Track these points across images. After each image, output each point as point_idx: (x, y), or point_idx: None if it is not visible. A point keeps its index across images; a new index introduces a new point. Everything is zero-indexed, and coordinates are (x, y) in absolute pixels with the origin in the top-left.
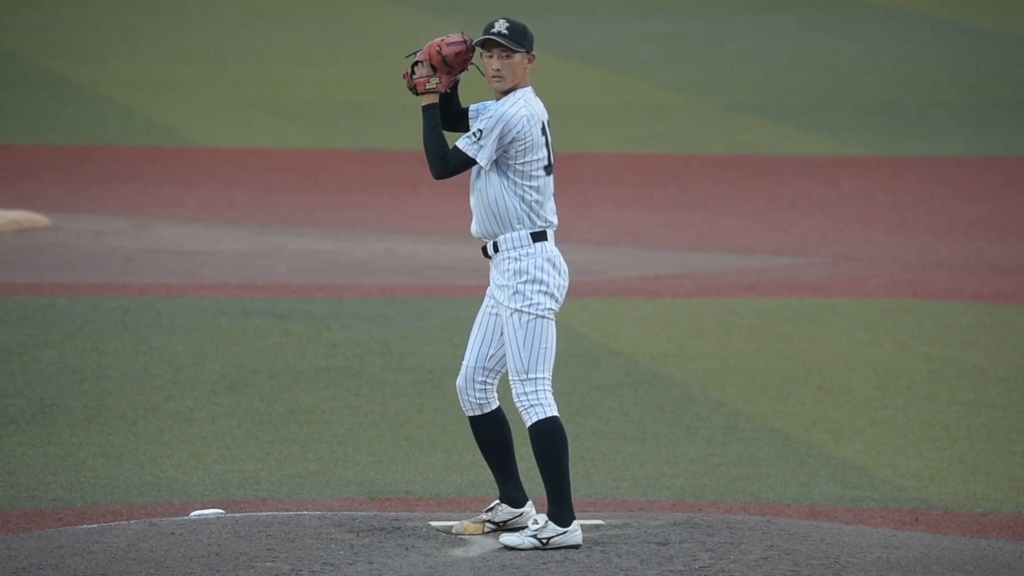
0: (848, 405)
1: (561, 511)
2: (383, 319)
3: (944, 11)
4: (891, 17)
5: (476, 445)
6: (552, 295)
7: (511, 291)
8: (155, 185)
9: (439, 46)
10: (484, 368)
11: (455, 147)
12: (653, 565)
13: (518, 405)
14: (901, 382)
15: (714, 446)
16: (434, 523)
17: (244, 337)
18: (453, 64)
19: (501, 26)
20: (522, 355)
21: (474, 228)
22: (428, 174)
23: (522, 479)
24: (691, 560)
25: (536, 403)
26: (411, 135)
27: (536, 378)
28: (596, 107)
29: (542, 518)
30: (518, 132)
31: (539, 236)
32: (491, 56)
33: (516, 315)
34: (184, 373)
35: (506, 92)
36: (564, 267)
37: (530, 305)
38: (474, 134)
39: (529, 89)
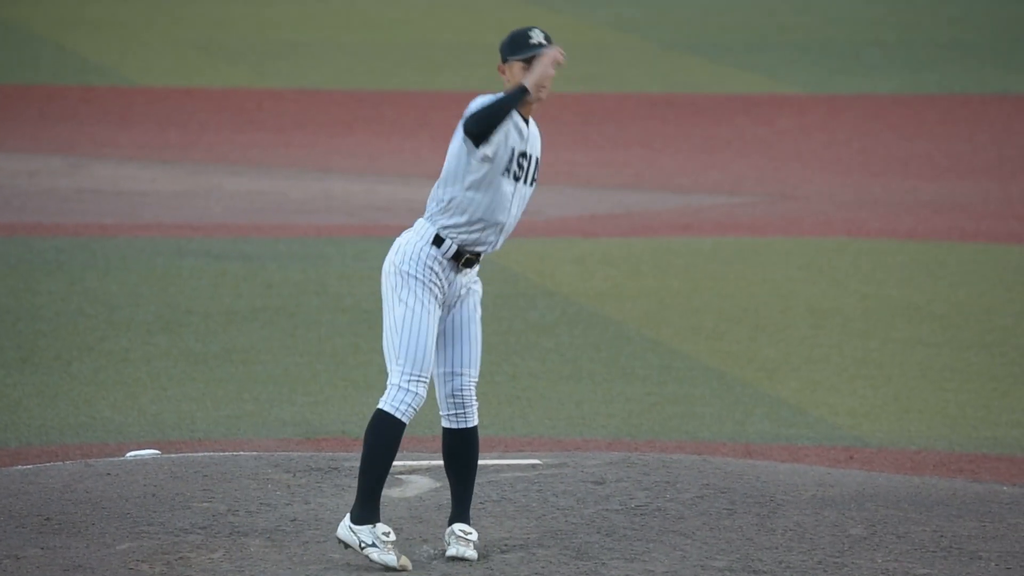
0: (783, 343)
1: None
2: (319, 259)
3: None
4: None
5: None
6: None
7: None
8: (90, 124)
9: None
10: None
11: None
12: (590, 504)
13: (472, 403)
14: (836, 320)
15: (650, 385)
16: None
17: (179, 277)
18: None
19: (544, 37)
20: (478, 351)
21: (501, 244)
22: (364, 112)
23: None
24: (627, 499)
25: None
26: (348, 75)
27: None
28: None
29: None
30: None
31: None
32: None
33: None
34: (119, 313)
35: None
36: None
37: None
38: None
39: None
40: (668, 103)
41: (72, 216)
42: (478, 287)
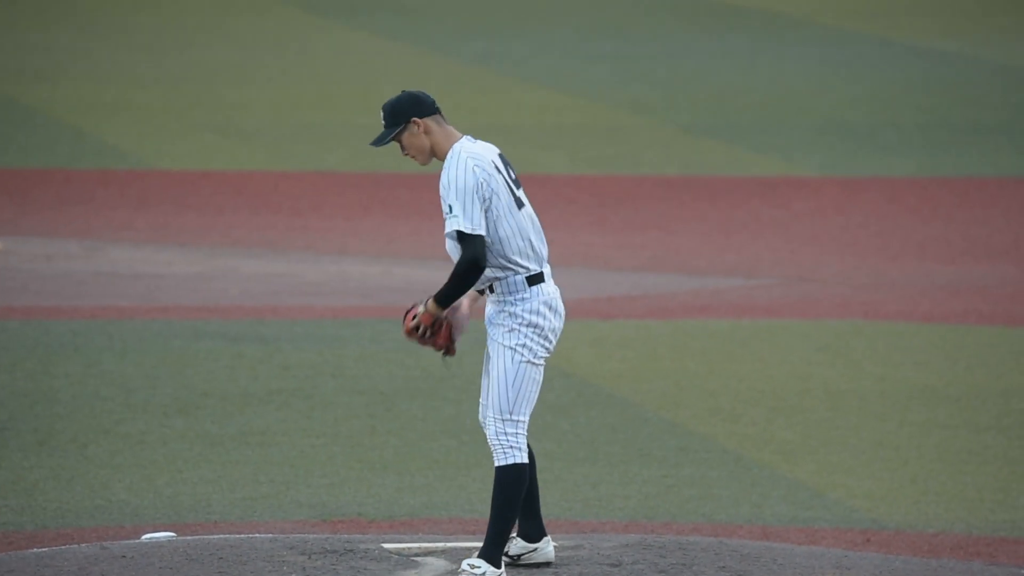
0: (800, 426)
1: (496, 552)
2: (336, 341)
3: (895, 32)
4: (842, 38)
5: (429, 467)
6: (547, 338)
7: (506, 329)
8: (107, 208)
9: (441, 337)
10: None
11: (455, 236)
12: None
13: (494, 443)
14: (853, 403)
15: (667, 467)
16: (387, 545)
17: (196, 360)
18: (440, 328)
19: (382, 118)
20: (508, 395)
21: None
22: (381, 195)
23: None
24: None
25: (513, 446)
26: (363, 157)
27: (517, 420)
28: (549, 128)
29: (479, 562)
30: (484, 184)
31: (535, 279)
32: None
33: (508, 352)
34: (136, 396)
35: (435, 157)
36: (560, 308)
37: (523, 348)
38: (448, 211)
39: (461, 141)
40: (684, 185)
41: (89, 299)
42: (498, 326)
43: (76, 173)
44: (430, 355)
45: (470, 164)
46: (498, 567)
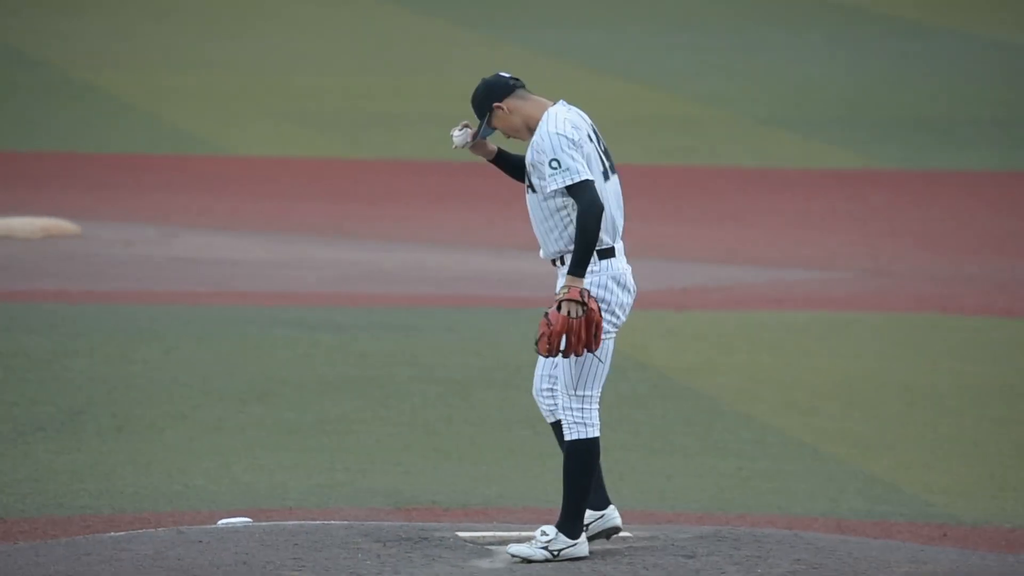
0: (876, 420)
1: (573, 525)
2: (411, 330)
3: (974, 26)
4: (920, 32)
5: (504, 456)
6: (614, 313)
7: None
8: (184, 194)
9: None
10: (550, 376)
11: (563, 190)
12: None
13: (563, 418)
14: (930, 398)
15: (742, 460)
16: (461, 533)
17: (273, 347)
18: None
19: (471, 101)
20: (574, 370)
21: (541, 252)
22: (455, 185)
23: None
24: (718, 573)
25: (581, 421)
26: (439, 146)
27: (584, 395)
28: (626, 120)
29: (551, 529)
30: (578, 137)
31: (605, 253)
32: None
33: None
34: (212, 382)
35: (532, 130)
36: (631, 283)
37: None
38: (552, 164)
39: (556, 105)
40: (760, 178)
41: (166, 284)
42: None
43: (154, 159)
44: (506, 345)
45: (567, 124)
46: (573, 537)
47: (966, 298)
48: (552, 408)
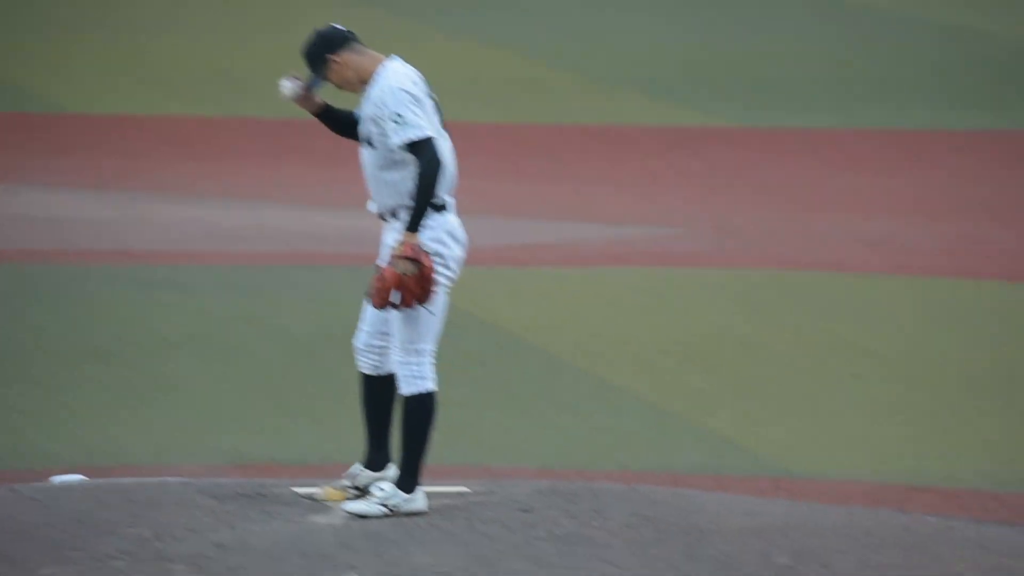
0: (714, 376)
1: (410, 480)
2: (251, 287)
3: None
4: None
5: (343, 413)
6: (448, 267)
7: None
8: (22, 151)
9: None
10: (381, 332)
11: (405, 145)
12: (517, 531)
13: (399, 373)
14: (768, 353)
15: (580, 415)
16: (297, 489)
17: (113, 305)
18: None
19: (303, 52)
20: (408, 326)
21: (371, 205)
22: (297, 142)
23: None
24: (554, 527)
25: (418, 376)
26: (280, 104)
27: (420, 349)
28: (469, 79)
29: (388, 486)
30: (419, 93)
31: (440, 208)
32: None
33: None
34: (51, 342)
35: (365, 84)
36: (463, 237)
37: None
38: (395, 119)
39: (388, 63)
40: (602, 134)
41: (6, 243)
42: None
43: None
44: (346, 302)
45: (408, 79)
46: (410, 492)
47: (804, 254)
48: (378, 363)
